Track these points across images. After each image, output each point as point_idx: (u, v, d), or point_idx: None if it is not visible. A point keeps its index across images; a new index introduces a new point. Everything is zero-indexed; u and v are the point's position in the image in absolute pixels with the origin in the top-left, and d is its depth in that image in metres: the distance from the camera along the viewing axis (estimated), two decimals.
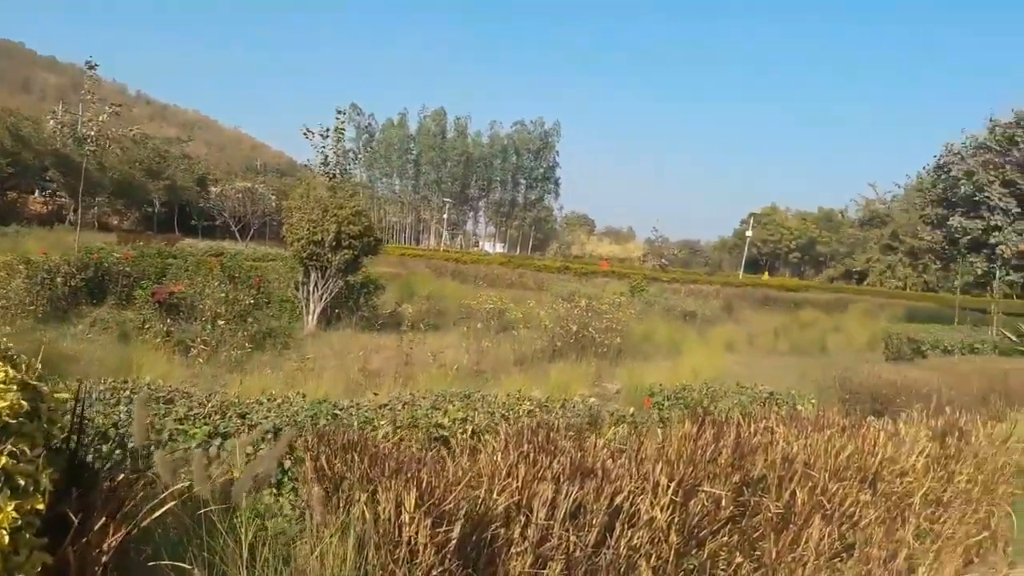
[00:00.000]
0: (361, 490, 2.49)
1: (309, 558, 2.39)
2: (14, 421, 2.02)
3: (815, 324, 21.97)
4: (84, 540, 2.05)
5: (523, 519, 2.77)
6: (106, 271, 14.26)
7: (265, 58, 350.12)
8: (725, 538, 3.20)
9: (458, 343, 12.27)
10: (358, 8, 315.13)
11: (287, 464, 3.95)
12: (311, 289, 14.03)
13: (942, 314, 27.07)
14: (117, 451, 3.16)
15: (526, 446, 3.13)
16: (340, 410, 4.99)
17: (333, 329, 13.64)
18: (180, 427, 4.36)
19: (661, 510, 3.01)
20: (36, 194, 45.76)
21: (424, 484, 2.57)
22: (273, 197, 45.38)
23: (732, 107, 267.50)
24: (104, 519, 2.07)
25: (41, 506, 2.00)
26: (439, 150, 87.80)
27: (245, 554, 2.39)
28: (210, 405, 4.76)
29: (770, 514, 3.45)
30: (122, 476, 2.27)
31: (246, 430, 4.26)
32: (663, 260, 66.68)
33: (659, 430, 3.86)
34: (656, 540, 2.99)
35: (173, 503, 2.30)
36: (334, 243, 13.97)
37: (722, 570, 3.17)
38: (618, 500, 2.96)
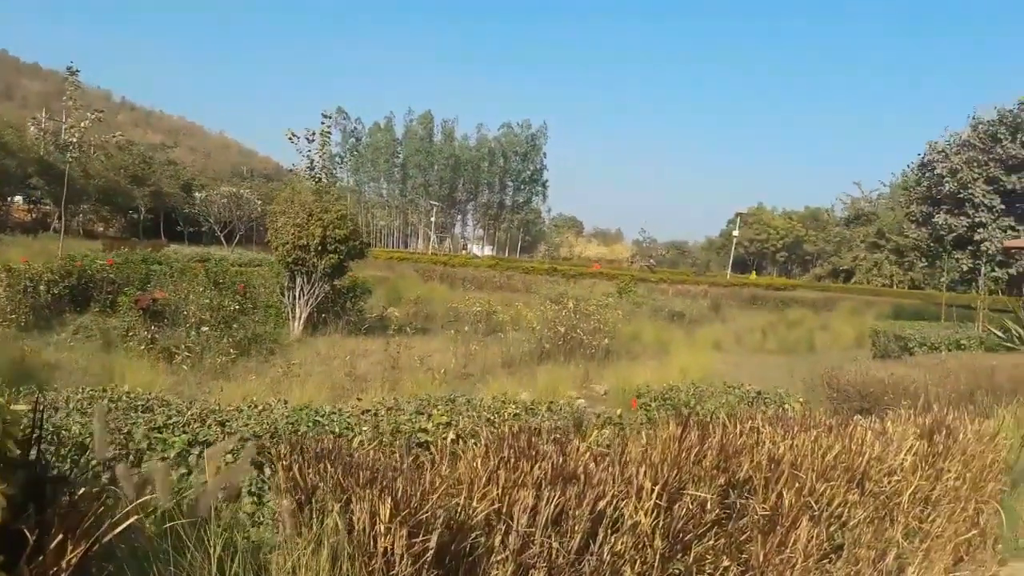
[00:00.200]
0: (335, 500, 2.42)
1: (281, 572, 2.31)
2: None
3: (802, 323, 22.05)
4: (40, 558, 1.97)
5: (504, 526, 2.70)
6: (90, 278, 14.10)
7: (250, 63, 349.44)
8: (711, 542, 3.14)
9: (446, 346, 12.20)
10: (359, 8, 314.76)
11: (267, 472, 3.88)
12: (297, 294, 13.90)
13: (928, 311, 27.26)
14: (94, 463, 3.07)
15: (507, 451, 3.06)
16: (322, 416, 4.90)
17: (319, 334, 13.52)
18: (159, 436, 4.28)
19: (645, 514, 2.95)
20: (20, 201, 45.37)
21: (400, 493, 2.50)
22: (259, 202, 45.21)
23: (719, 108, 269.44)
24: (62, 535, 1.99)
25: None
26: (426, 153, 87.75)
27: (214, 568, 2.31)
28: (190, 413, 4.66)
29: (757, 516, 3.40)
30: (83, 490, 2.18)
31: (226, 439, 4.16)
32: (651, 261, 66.99)
33: (645, 432, 3.80)
34: (640, 545, 2.92)
35: (136, 517, 2.22)
36: (320, 247, 13.86)
37: (708, 574, 3.12)
38: (601, 505, 2.90)
